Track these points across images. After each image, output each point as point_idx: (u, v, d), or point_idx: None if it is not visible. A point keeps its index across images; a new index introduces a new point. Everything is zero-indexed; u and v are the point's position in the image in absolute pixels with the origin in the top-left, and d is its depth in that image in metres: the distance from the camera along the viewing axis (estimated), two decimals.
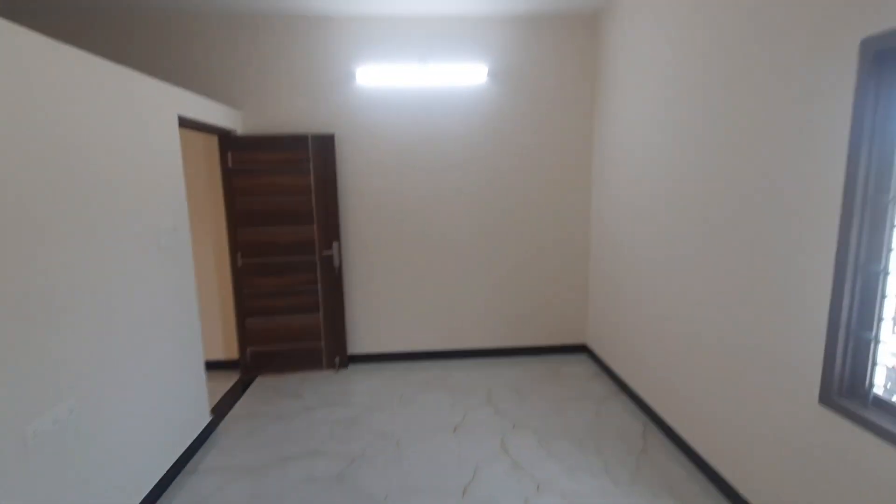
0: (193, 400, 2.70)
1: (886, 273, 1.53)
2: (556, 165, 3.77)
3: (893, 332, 1.58)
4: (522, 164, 3.75)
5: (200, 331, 2.79)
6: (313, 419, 3.00)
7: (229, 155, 3.44)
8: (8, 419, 1.50)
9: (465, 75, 3.56)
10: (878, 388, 1.60)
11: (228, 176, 3.46)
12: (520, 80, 3.65)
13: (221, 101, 3.46)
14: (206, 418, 2.84)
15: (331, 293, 3.68)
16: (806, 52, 1.69)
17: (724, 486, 2.20)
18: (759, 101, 1.92)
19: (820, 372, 1.68)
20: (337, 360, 3.77)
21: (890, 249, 1.52)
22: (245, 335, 3.66)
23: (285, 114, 3.59)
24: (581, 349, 4.02)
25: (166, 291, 2.43)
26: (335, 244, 3.62)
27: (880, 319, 1.56)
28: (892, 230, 1.51)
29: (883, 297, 1.55)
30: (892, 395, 1.58)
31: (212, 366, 3.80)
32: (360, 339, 3.89)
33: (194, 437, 2.68)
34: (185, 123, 2.78)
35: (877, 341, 1.58)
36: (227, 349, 3.85)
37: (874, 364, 1.60)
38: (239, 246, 3.55)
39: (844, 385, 1.64)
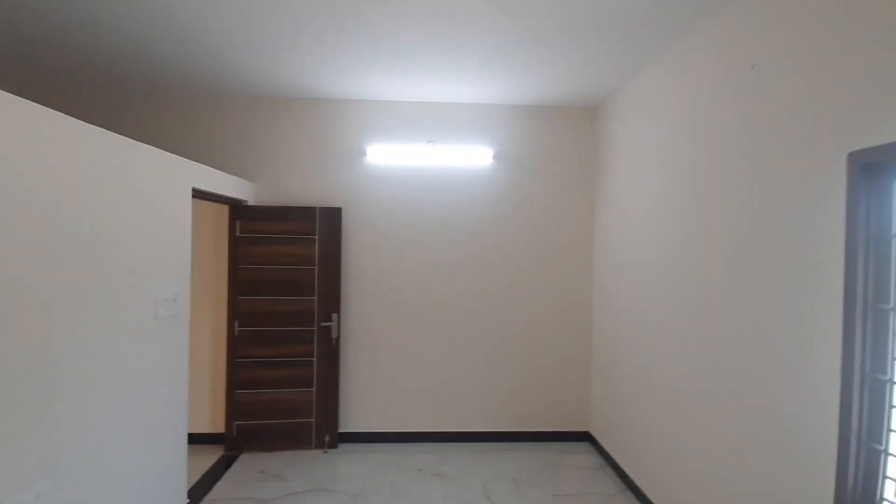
0: (171, 482, 2.54)
1: (893, 383, 1.48)
2: (558, 245, 3.81)
3: None
4: (525, 243, 3.80)
5: (187, 407, 2.68)
6: None
7: (238, 223, 3.52)
8: None
9: (470, 157, 3.72)
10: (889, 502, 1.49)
11: (235, 243, 3.52)
12: (523, 163, 3.80)
13: (236, 173, 3.60)
14: (183, 502, 2.66)
15: (326, 365, 3.59)
16: (799, 155, 1.75)
17: None
18: (756, 190, 1.97)
19: (833, 483, 1.57)
20: (327, 438, 3.60)
21: (894, 359, 1.48)
22: (233, 408, 3.53)
23: (296, 186, 3.72)
24: (584, 437, 3.83)
25: (157, 366, 2.37)
26: (335, 316, 3.59)
27: (889, 430, 1.49)
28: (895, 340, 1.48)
29: (891, 407, 1.49)
30: None
31: (197, 439, 3.64)
32: (353, 415, 3.73)
33: None
34: (198, 195, 2.88)
35: (887, 454, 1.49)
36: (214, 422, 3.69)
37: (884, 477, 1.50)
38: (237, 314, 3.52)
39: (857, 499, 1.52)
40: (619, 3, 2.20)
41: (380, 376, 3.74)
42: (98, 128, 1.94)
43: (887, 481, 1.50)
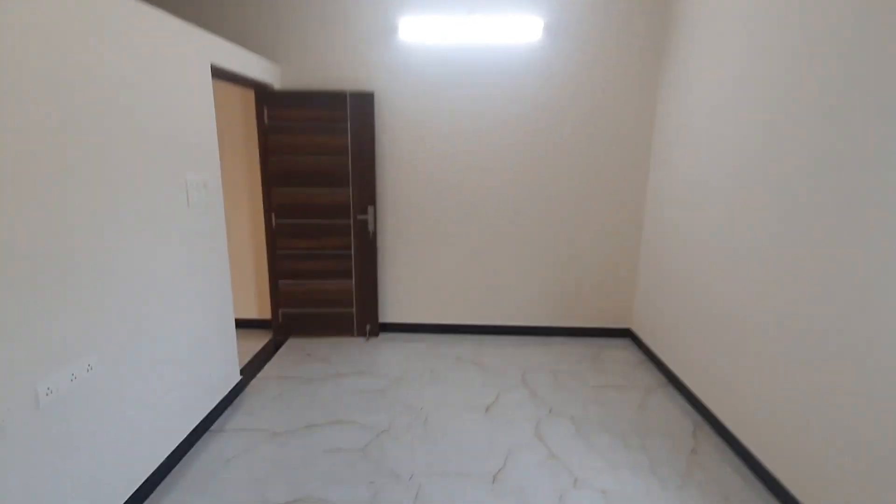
0: (223, 360, 2.67)
1: None
2: (613, 137, 3.42)
3: None
4: (577, 132, 3.42)
5: (231, 291, 2.72)
6: (341, 386, 2.93)
7: (265, 111, 3.30)
8: (20, 374, 1.44)
9: (516, 30, 3.23)
10: None
11: (264, 133, 3.34)
12: (577, 39, 3.28)
13: (258, 54, 3.29)
14: (236, 378, 2.82)
15: (364, 259, 3.56)
16: None
17: (789, 500, 1.95)
18: (869, 72, 1.56)
19: None
20: (368, 327, 3.69)
21: None
22: (278, 297, 3.62)
23: (324, 70, 3.39)
24: (624, 333, 3.76)
25: (196, 248, 2.35)
26: (370, 208, 3.47)
27: None
28: None
29: None
30: None
31: (246, 324, 3.82)
32: (392, 307, 3.77)
33: (223, 395, 2.66)
34: (218, 74, 2.64)
35: None
36: (261, 309, 3.84)
37: None
38: (273, 207, 3.45)
39: None
40: None
41: (418, 269, 3.69)
42: None
43: None
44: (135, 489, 1.93)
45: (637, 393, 2.90)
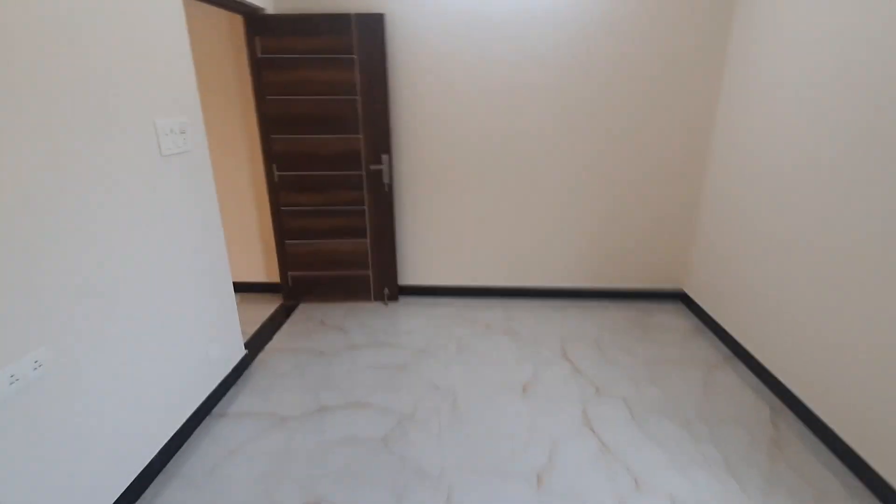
0: (223, 334, 2.34)
1: None
2: (673, 59, 2.81)
3: None
4: (629, 67, 2.82)
5: (226, 253, 2.35)
6: (357, 361, 2.61)
7: (257, 41, 2.79)
8: None
9: None
10: None
11: (258, 68, 2.84)
12: None
13: None
14: (240, 353, 2.51)
15: (379, 215, 3.14)
16: None
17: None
18: None
19: None
20: (386, 291, 3.33)
21: None
22: (285, 258, 3.26)
23: None
24: (675, 296, 3.32)
25: (175, 205, 1.95)
26: (385, 157, 3.00)
27: None
28: None
29: None
30: None
31: (255, 288, 3.51)
32: (413, 268, 3.39)
33: (226, 374, 2.36)
34: None
35: None
36: (269, 271, 3.50)
37: None
38: (273, 156, 3.01)
39: None
40: None
41: (441, 226, 3.26)
42: None
43: None
44: (120, 493, 1.65)
45: (698, 369, 2.51)
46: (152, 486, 1.79)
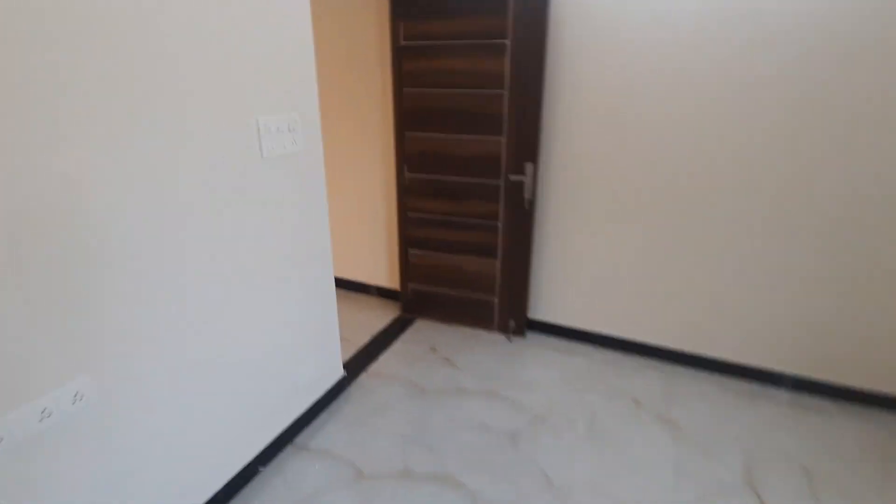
0: (320, 354, 2.12)
1: None
2: None
3: None
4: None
5: (332, 265, 2.09)
6: (461, 412, 2.16)
7: (401, 27, 2.46)
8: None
9: None
10: None
11: (399, 57, 2.52)
12: None
13: None
14: (338, 374, 2.28)
15: (515, 233, 2.61)
16: None
17: None
18: None
19: None
20: (511, 323, 2.80)
21: None
22: (407, 268, 2.96)
23: None
24: None
25: (276, 212, 1.72)
26: (529, 167, 2.44)
27: None
28: None
29: None
30: None
31: (378, 292, 3.33)
32: (547, 301, 2.79)
33: (319, 396, 2.14)
34: None
35: None
36: (391, 278, 3.26)
37: None
38: (405, 156, 2.69)
39: None
40: None
41: (591, 257, 2.59)
42: None
43: None
44: None
45: None
46: None
